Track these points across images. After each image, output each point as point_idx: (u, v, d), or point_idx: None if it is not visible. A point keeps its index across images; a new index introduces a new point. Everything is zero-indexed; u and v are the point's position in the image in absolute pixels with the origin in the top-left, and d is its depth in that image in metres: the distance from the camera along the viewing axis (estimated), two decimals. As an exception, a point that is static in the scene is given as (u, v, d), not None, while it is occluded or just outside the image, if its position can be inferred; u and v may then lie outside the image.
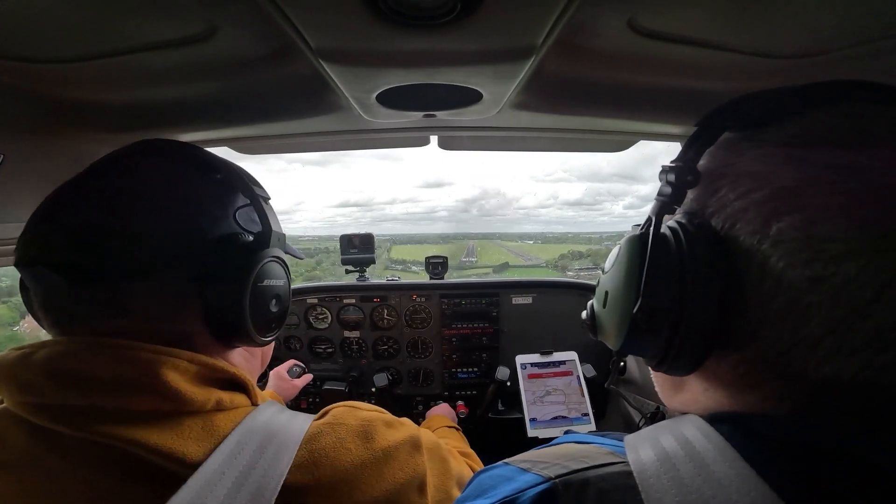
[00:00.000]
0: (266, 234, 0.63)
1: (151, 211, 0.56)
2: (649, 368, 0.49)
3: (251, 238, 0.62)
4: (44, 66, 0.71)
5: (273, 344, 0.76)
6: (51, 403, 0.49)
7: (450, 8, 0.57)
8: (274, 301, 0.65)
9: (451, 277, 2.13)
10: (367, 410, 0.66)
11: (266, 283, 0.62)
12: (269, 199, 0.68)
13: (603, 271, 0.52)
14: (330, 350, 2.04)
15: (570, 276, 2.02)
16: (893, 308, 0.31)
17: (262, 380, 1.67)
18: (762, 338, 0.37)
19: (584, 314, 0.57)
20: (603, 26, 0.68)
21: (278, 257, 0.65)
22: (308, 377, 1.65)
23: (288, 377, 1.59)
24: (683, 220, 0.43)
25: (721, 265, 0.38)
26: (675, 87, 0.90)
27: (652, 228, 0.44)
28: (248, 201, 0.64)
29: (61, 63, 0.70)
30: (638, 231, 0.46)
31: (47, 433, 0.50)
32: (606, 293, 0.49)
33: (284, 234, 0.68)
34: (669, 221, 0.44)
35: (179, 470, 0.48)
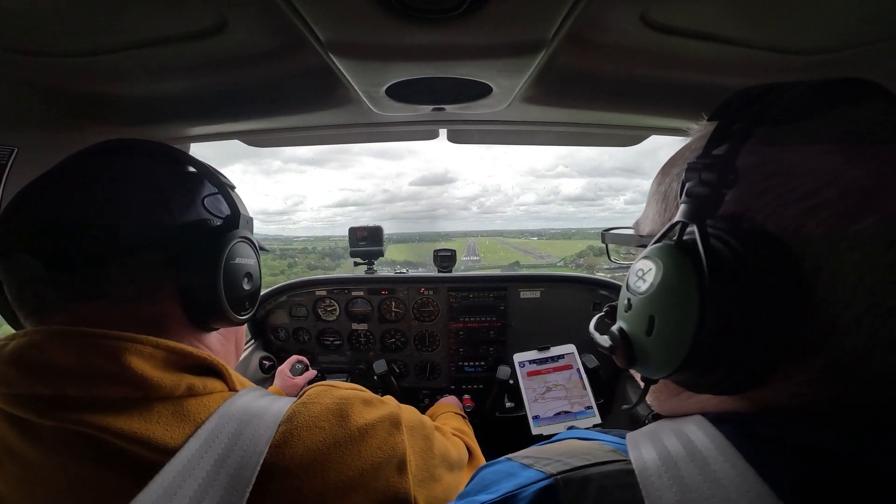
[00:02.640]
0: (234, 217, 0.66)
1: (124, 199, 0.58)
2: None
3: (220, 222, 0.65)
4: (57, 60, 0.72)
5: (245, 327, 0.78)
6: (21, 394, 0.50)
7: (460, 1, 0.57)
8: (246, 279, 0.68)
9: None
10: (345, 389, 0.65)
11: (238, 261, 0.65)
12: (235, 187, 0.71)
13: (633, 291, 0.44)
14: (338, 342, 2.05)
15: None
16: None
17: (273, 370, 1.69)
18: (834, 345, 0.34)
19: (604, 341, 0.50)
20: (615, 20, 0.67)
21: (247, 237, 0.68)
22: (311, 374, 1.66)
23: (290, 375, 1.61)
24: (726, 226, 0.38)
25: (790, 274, 0.35)
26: (688, 83, 0.88)
27: (699, 237, 0.37)
28: (216, 189, 0.67)
29: (74, 57, 0.71)
30: (670, 241, 0.41)
31: (23, 423, 0.51)
32: (651, 318, 0.41)
33: (252, 219, 0.71)
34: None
35: (151, 456, 0.48)
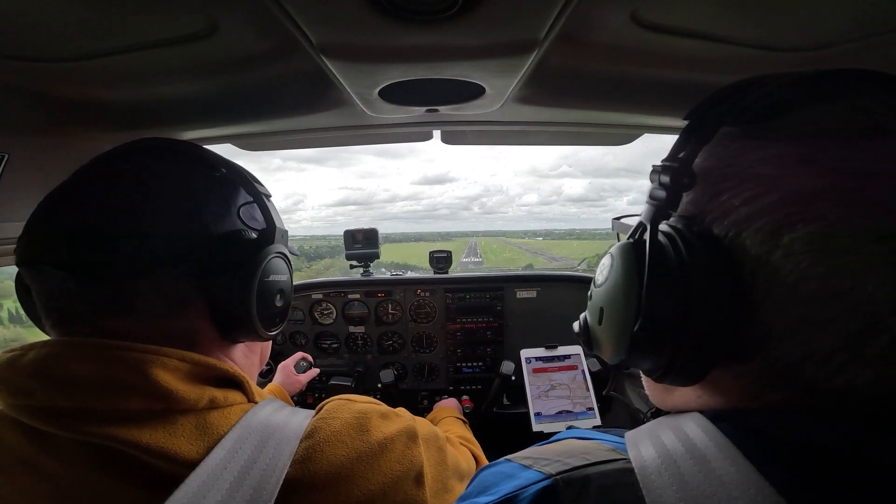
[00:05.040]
0: (270, 230, 0.64)
1: (155, 208, 0.56)
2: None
3: (255, 235, 0.63)
4: (47, 65, 0.71)
5: (271, 340, 0.76)
6: (40, 405, 0.49)
7: (451, 2, 0.57)
8: (278, 296, 0.66)
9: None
10: (361, 402, 0.65)
11: (272, 278, 0.63)
12: (271, 196, 0.69)
13: (594, 284, 0.48)
14: (335, 345, 2.05)
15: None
16: None
17: (271, 374, 1.68)
18: (769, 350, 0.35)
19: (576, 326, 0.54)
20: (606, 19, 0.67)
21: (282, 253, 0.66)
22: (314, 372, 1.66)
23: (294, 371, 1.60)
24: (680, 227, 0.40)
25: (727, 277, 0.36)
26: (679, 81, 0.89)
27: (648, 237, 0.40)
28: (251, 198, 0.65)
29: (65, 62, 0.71)
30: (630, 239, 0.43)
31: (42, 435, 0.50)
32: (601, 309, 0.45)
33: (287, 231, 0.69)
34: (663, 226, 0.41)
35: (174, 469, 0.48)
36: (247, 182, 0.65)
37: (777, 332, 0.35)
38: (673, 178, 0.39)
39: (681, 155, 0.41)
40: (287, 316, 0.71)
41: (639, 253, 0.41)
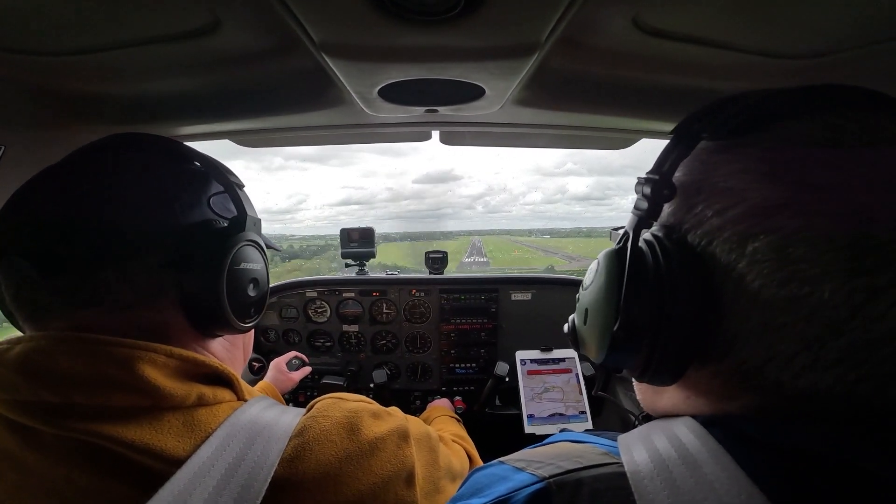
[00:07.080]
0: (241, 218, 0.63)
1: (123, 198, 0.56)
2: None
3: (226, 224, 0.62)
4: (46, 58, 0.70)
5: (253, 333, 0.75)
6: (26, 400, 0.49)
7: (454, 3, 0.57)
8: (251, 285, 0.65)
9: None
10: (353, 401, 0.65)
11: (242, 266, 0.62)
12: (244, 186, 0.68)
13: (582, 287, 0.51)
14: (329, 344, 2.04)
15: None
16: (866, 327, 0.31)
17: (263, 372, 1.68)
18: (737, 352, 0.37)
19: (565, 327, 0.57)
20: (607, 23, 0.68)
21: (254, 241, 0.65)
22: (307, 370, 1.65)
23: (286, 369, 1.59)
24: (661, 235, 0.42)
25: (698, 282, 0.39)
26: (679, 86, 0.89)
27: (630, 244, 0.43)
28: (223, 188, 0.65)
29: (63, 56, 0.70)
30: (616, 246, 0.45)
31: (25, 430, 0.49)
32: (586, 310, 0.49)
33: (260, 220, 0.68)
34: (646, 235, 0.44)
35: (159, 466, 0.47)
36: (219, 173, 0.64)
37: (743, 335, 0.37)
38: (654, 189, 0.42)
39: (663, 168, 0.43)
40: (264, 306, 0.69)
41: (621, 259, 0.43)
